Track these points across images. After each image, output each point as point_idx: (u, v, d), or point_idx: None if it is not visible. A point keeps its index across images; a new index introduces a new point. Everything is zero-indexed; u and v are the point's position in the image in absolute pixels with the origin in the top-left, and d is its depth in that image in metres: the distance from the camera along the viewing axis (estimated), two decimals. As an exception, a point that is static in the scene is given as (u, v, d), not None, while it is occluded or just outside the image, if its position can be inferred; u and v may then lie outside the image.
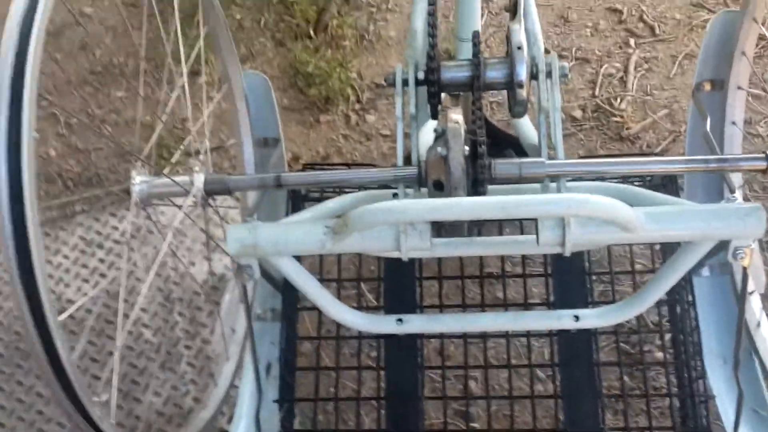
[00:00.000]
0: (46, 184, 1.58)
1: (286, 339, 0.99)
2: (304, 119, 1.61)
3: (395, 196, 0.84)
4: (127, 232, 1.18)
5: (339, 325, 0.98)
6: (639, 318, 1.05)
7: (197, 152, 0.96)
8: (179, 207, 0.92)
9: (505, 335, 0.96)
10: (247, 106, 1.17)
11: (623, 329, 1.03)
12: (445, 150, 0.76)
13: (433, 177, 0.79)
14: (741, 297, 0.89)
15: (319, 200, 1.01)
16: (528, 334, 0.97)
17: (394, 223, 0.77)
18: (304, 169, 1.29)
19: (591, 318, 0.88)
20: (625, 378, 0.95)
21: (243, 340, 1.12)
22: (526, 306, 0.99)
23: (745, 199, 1.28)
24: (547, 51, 0.90)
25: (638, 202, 0.84)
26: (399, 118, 0.86)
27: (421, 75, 0.85)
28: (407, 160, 0.87)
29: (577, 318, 0.87)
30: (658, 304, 1.09)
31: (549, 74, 0.85)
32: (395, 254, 0.84)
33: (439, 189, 0.80)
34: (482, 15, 1.66)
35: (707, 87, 1.09)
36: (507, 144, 1.22)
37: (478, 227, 0.88)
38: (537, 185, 0.83)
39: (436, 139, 0.80)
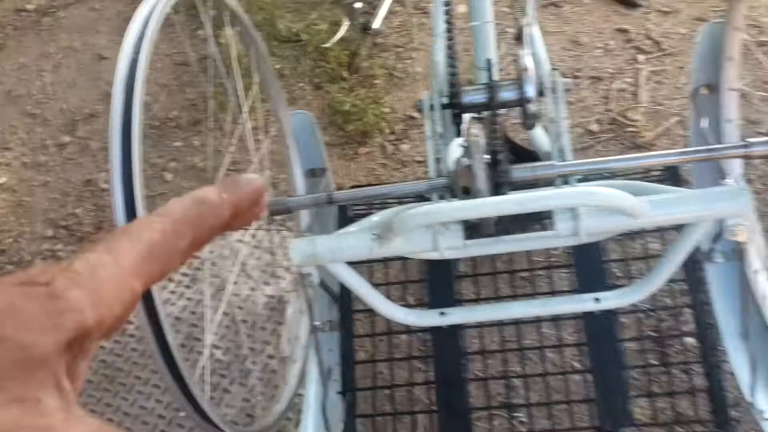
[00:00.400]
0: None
1: (344, 338, 1.12)
2: (345, 153, 1.77)
3: (431, 206, 0.98)
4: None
5: (390, 323, 1.11)
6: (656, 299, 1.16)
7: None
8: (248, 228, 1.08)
9: (537, 320, 1.08)
10: (296, 141, 1.33)
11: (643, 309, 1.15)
12: (469, 159, 0.91)
13: (462, 184, 0.93)
14: (743, 274, 1.00)
15: (364, 216, 1.16)
16: (556, 318, 1.09)
17: (431, 223, 0.91)
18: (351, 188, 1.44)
19: (610, 299, 1.00)
20: (648, 354, 1.07)
21: (306, 343, 1.26)
22: (552, 295, 1.11)
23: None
24: (554, 68, 1.04)
25: (641, 193, 0.96)
26: (429, 138, 1.00)
27: (445, 100, 1.00)
28: (439, 174, 1.02)
29: (597, 300, 0.99)
30: (680, 291, 1.20)
31: (554, 90, 0.99)
32: (434, 255, 0.98)
33: (467, 194, 0.94)
34: (499, 46, 1.81)
35: (703, 91, 1.21)
36: (529, 159, 1.36)
37: (505, 229, 1.01)
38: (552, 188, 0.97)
39: (462, 152, 0.94)
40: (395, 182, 1.56)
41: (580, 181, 0.99)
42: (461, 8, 1.81)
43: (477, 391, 1.04)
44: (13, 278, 0.27)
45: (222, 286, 1.49)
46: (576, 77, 1.76)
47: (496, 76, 0.99)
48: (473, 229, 0.98)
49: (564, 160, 0.97)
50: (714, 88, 1.20)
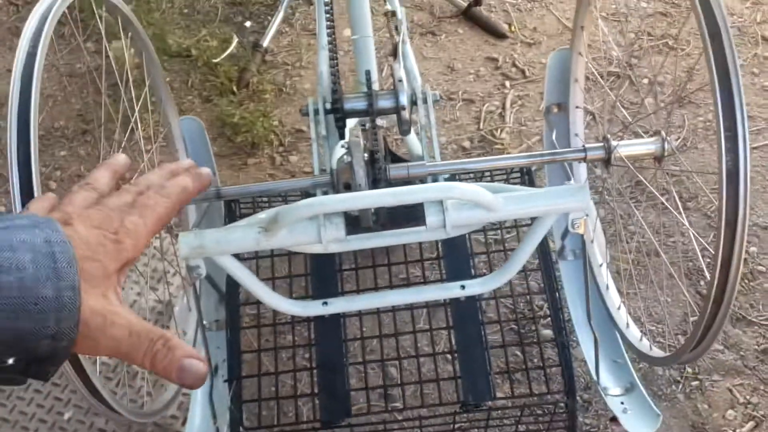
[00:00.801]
0: None
1: (230, 329, 1.18)
2: (233, 163, 1.84)
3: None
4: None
5: (275, 314, 1.18)
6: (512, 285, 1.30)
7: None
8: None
9: (410, 307, 1.19)
10: (185, 145, 1.39)
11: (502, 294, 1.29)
12: (350, 157, 1.01)
13: (343, 180, 1.03)
14: (584, 260, 1.16)
15: (250, 214, 1.23)
16: (427, 305, 1.21)
17: (315, 214, 1.00)
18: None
19: (474, 286, 1.12)
20: (505, 334, 1.20)
21: (194, 337, 1.31)
22: (425, 284, 1.22)
23: (592, 187, 1.59)
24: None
25: (500, 192, 1.10)
26: (313, 139, 1.10)
27: (328, 105, 1.10)
28: (322, 172, 1.11)
29: (463, 287, 1.11)
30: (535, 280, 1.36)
31: (425, 100, 1.11)
32: (318, 248, 1.06)
33: (348, 189, 1.04)
34: (382, 70, 1.95)
35: (554, 109, 1.38)
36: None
37: (383, 226, 1.12)
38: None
39: (344, 152, 1.04)
40: (281, 179, 1.64)
41: (448, 180, 1.12)
42: (346, 32, 1.93)
43: (356, 375, 1.13)
44: (93, 221, 0.49)
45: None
46: (451, 99, 1.92)
47: (375, 86, 1.10)
48: (354, 225, 1.08)
49: (434, 162, 1.09)
50: (563, 106, 1.38)
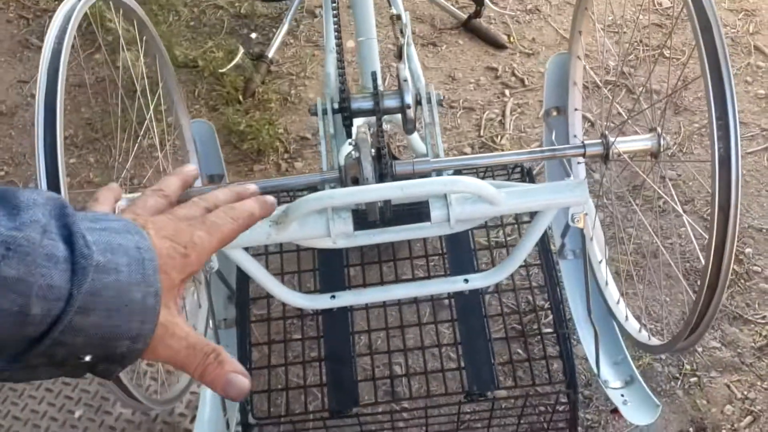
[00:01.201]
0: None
1: (241, 321, 1.22)
2: (240, 169, 1.88)
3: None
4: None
5: (285, 306, 1.22)
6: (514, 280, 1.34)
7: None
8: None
9: (415, 301, 1.22)
10: (196, 147, 1.43)
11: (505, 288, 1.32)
12: (358, 153, 1.05)
13: (351, 175, 1.07)
14: (584, 254, 1.20)
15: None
16: (432, 299, 1.24)
17: (324, 207, 1.03)
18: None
19: (477, 280, 1.16)
20: (509, 326, 1.24)
21: (204, 332, 1.34)
22: (429, 278, 1.26)
23: (591, 191, 1.63)
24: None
25: (502, 188, 1.14)
26: (322, 137, 1.14)
27: (336, 105, 1.14)
28: (331, 169, 1.15)
29: (467, 281, 1.15)
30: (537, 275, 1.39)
31: (429, 100, 1.15)
32: (327, 243, 1.10)
33: (356, 183, 1.07)
34: (385, 79, 2.00)
35: (554, 113, 1.43)
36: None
37: (389, 222, 1.16)
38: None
39: (352, 148, 1.08)
40: (291, 175, 1.69)
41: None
42: (350, 44, 1.98)
43: (363, 366, 1.15)
44: (166, 231, 0.50)
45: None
46: (452, 107, 1.97)
47: (380, 86, 1.14)
48: (361, 221, 1.12)
49: (438, 158, 1.13)
50: (562, 109, 1.42)
